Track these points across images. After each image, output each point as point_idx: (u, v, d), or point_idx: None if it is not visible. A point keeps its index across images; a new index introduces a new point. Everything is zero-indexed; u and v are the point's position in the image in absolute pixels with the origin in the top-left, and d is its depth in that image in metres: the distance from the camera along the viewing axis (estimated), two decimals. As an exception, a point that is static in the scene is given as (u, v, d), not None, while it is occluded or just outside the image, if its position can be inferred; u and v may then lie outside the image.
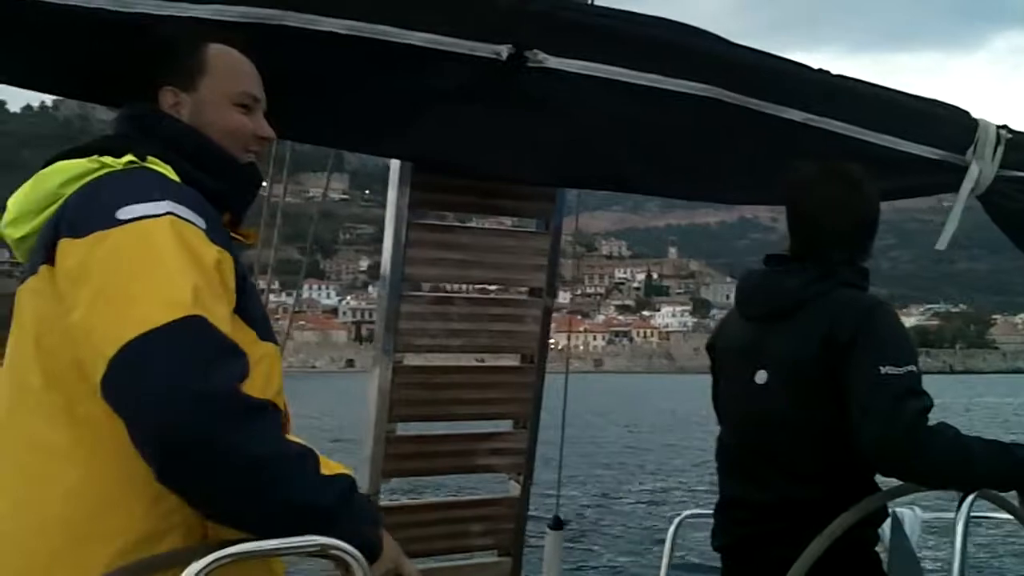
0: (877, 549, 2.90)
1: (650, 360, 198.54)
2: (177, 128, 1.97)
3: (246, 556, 1.62)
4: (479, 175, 3.15)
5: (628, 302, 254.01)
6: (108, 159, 1.82)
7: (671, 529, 3.56)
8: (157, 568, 1.61)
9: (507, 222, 3.44)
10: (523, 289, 3.38)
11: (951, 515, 2.57)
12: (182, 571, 1.53)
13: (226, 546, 1.60)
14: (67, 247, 1.69)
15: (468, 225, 3.37)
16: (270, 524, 1.65)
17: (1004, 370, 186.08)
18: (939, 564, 2.52)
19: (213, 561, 1.55)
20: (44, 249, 1.75)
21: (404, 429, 3.23)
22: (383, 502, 3.16)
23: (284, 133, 3.05)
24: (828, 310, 2.70)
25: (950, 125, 3.11)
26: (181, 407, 1.56)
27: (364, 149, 3.06)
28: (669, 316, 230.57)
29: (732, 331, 3.07)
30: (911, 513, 3.18)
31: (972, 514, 2.61)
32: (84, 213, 1.72)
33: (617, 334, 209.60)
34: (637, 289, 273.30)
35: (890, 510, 2.95)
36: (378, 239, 3.54)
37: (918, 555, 3.01)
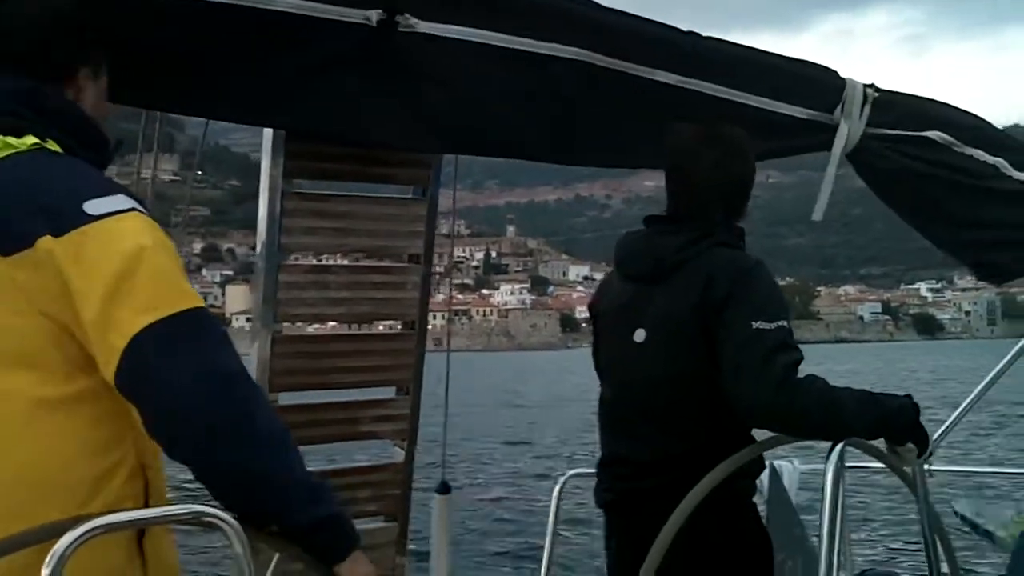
0: (755, 501, 3.01)
1: (489, 338, 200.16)
2: (66, 106, 1.97)
3: (123, 527, 1.68)
4: (354, 142, 3.11)
5: (467, 280, 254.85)
6: (12, 140, 1.84)
7: (556, 489, 3.61)
8: (34, 541, 1.61)
9: (384, 190, 3.41)
10: (402, 256, 3.37)
11: None
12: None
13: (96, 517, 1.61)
14: (48, 245, 1.73)
15: (344, 193, 3.32)
16: (276, 495, 1.77)
17: (828, 340, 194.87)
18: (817, 515, 2.61)
19: (87, 531, 1.56)
20: None
21: (286, 399, 3.18)
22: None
23: (157, 105, 2.96)
24: (704, 269, 2.76)
25: (818, 85, 3.16)
26: (213, 389, 1.70)
27: (238, 119, 3.00)
28: (508, 294, 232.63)
29: (612, 292, 3.12)
30: (789, 465, 3.29)
31: (847, 464, 2.71)
32: (46, 207, 1.75)
33: (456, 312, 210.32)
34: (476, 267, 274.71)
35: (769, 463, 3.05)
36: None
37: (796, 506, 3.12)
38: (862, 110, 3.07)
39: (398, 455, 3.31)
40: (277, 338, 3.15)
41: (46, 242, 1.72)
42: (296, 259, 3.27)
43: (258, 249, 3.18)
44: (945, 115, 3.21)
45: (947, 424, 3.14)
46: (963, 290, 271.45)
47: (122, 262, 1.72)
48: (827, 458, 2.62)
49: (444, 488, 3.44)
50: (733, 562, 2.82)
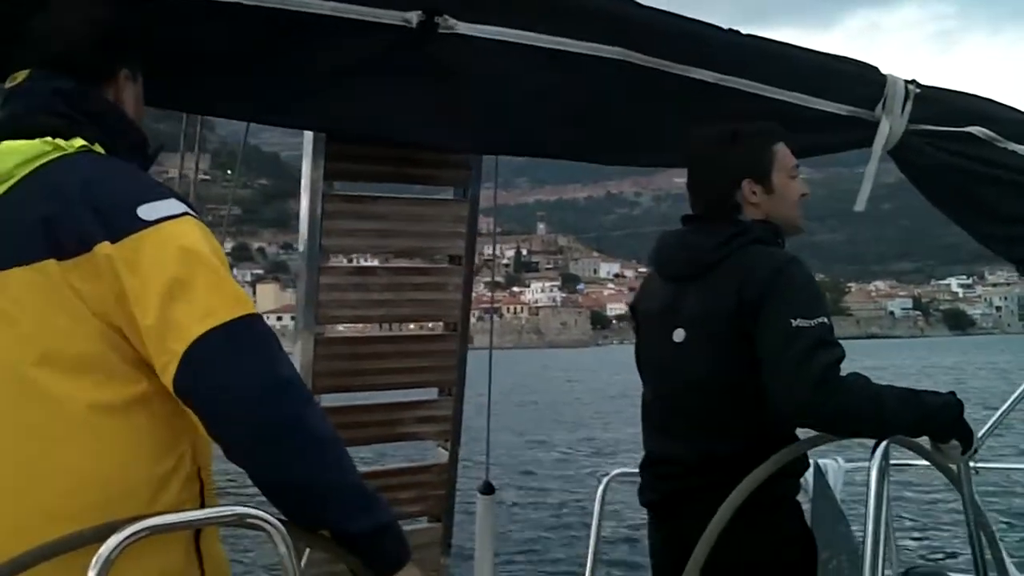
0: (799, 499, 3.00)
1: (519, 335, 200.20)
2: (109, 107, 1.99)
3: (166, 529, 1.68)
4: (393, 144, 3.13)
5: (498, 278, 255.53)
6: (61, 142, 1.85)
7: (600, 488, 3.61)
8: (81, 544, 1.63)
9: (424, 191, 3.42)
10: (443, 258, 3.38)
11: None
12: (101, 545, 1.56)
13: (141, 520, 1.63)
14: (107, 251, 1.74)
15: (385, 195, 3.33)
16: (331, 501, 1.79)
17: (859, 336, 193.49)
18: (861, 513, 2.59)
19: (132, 533, 1.58)
20: (43, 241, 1.77)
21: (329, 401, 3.19)
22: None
23: (197, 108, 2.99)
24: (741, 267, 2.75)
25: (859, 81, 3.14)
26: (270, 395, 1.73)
27: (277, 121, 3.02)
28: (538, 292, 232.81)
29: (652, 292, 3.12)
30: (834, 464, 3.27)
31: (891, 462, 2.70)
32: (100, 211, 1.77)
33: (487, 310, 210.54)
34: (506, 265, 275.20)
35: (813, 461, 3.03)
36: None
37: (841, 504, 3.11)
38: (904, 106, 3.05)
39: (442, 456, 3.32)
40: (319, 340, 3.17)
41: (104, 248, 1.74)
42: (337, 261, 3.28)
43: (300, 250, 3.20)
44: (986, 110, 3.19)
45: (992, 421, 3.12)
46: (994, 285, 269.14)
47: (179, 268, 1.74)
48: (871, 456, 2.60)
49: (488, 488, 3.45)
50: (777, 561, 2.81)
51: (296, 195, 3.28)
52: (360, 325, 3.40)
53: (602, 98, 3.06)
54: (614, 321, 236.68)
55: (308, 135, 3.16)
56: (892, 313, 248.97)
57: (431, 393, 3.35)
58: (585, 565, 3.60)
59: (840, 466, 3.29)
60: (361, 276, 3.26)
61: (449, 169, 3.32)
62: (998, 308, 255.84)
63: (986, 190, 3.19)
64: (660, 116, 3.16)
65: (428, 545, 3.29)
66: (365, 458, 3.56)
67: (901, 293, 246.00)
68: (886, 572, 2.75)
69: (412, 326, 3.51)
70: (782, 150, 2.94)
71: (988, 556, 2.96)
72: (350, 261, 3.36)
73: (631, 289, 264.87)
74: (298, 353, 3.15)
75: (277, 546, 1.74)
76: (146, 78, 2.11)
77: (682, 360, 2.88)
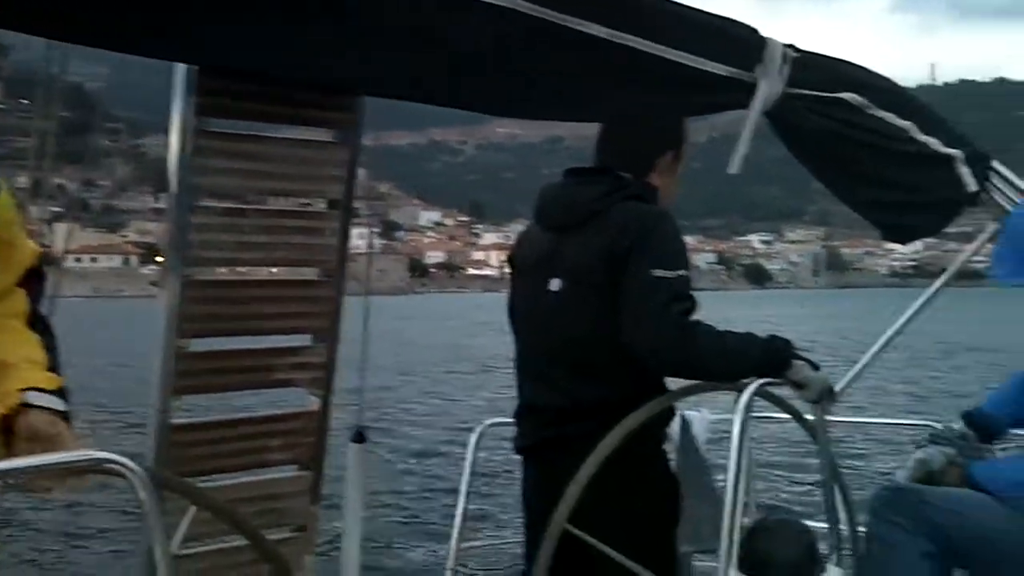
0: (666, 448, 3.11)
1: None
2: None
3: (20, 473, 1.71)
4: (271, 80, 3.01)
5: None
6: None
7: (473, 437, 3.63)
8: None
9: (304, 132, 3.30)
10: (321, 202, 3.29)
11: None
12: None
13: None
14: None
15: (262, 134, 3.21)
16: None
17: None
18: (725, 463, 2.72)
19: None
20: None
21: (197, 346, 3.09)
22: (175, 421, 3.03)
23: (62, 36, 2.79)
24: (615, 219, 2.86)
25: (739, 42, 3.18)
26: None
27: (147, 52, 2.86)
28: (356, 238, 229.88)
29: (530, 242, 3.16)
30: (699, 415, 3.39)
31: (752, 414, 2.82)
32: None
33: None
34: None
35: (679, 413, 3.15)
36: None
37: (705, 455, 3.23)
38: (781, 69, 3.14)
39: (314, 403, 3.26)
40: (188, 282, 3.04)
41: None
42: (209, 201, 3.14)
43: (169, 189, 3.05)
44: (859, 77, 3.31)
45: (852, 374, 3.29)
46: (792, 242, 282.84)
47: None
48: (735, 407, 2.72)
49: (359, 436, 3.41)
50: (643, 507, 2.92)
51: (100, 130, 3.11)
52: (232, 268, 3.28)
53: (491, 46, 3.02)
54: (432, 269, 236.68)
55: (179, 68, 3.01)
56: (698, 267, 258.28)
57: (304, 339, 3.28)
58: (455, 515, 3.62)
59: (705, 417, 3.42)
60: (234, 217, 3.14)
61: (331, 111, 3.21)
62: (794, 264, 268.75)
63: (856, 155, 3.33)
64: (550, 69, 3.15)
65: (297, 494, 3.24)
66: (235, 404, 3.45)
67: (707, 248, 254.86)
68: (743, 519, 2.88)
69: (285, 270, 3.40)
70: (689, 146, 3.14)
71: (840, 505, 3.13)
72: (222, 202, 3.22)
73: (451, 238, 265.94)
74: (164, 296, 3.03)
75: (138, 491, 1.70)
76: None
77: (557, 309, 2.95)
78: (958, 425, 3.35)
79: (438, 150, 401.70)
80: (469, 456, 3.63)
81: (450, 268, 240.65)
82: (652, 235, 2.82)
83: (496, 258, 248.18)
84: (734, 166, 3.15)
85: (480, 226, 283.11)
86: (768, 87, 3.12)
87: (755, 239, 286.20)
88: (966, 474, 3.09)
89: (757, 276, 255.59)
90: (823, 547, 3.08)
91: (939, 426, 3.42)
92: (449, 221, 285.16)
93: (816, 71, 3.21)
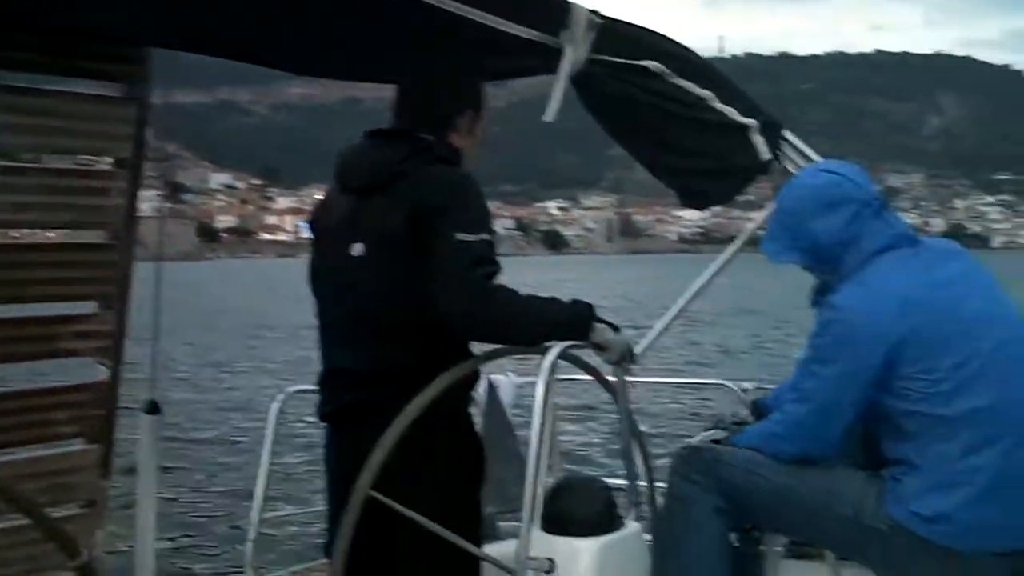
0: (472, 412, 3.11)
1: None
2: None
3: None
4: (49, 29, 2.82)
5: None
6: None
7: (274, 406, 3.54)
8: None
9: (88, 86, 3.09)
10: (107, 160, 3.10)
11: None
12: None
13: None
14: None
15: (40, 87, 2.99)
16: None
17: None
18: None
19: None
20: None
21: (-29, 314, 2.87)
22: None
23: None
24: (420, 181, 2.81)
25: (545, 6, 3.17)
26: None
27: None
28: (142, 201, 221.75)
29: (331, 205, 3.09)
30: (506, 379, 3.41)
31: (557, 376, 2.86)
32: None
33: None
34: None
35: (486, 377, 3.15)
36: None
37: (511, 417, 3.25)
38: (586, 35, 3.16)
39: (102, 374, 3.09)
40: (-41, 245, 2.83)
41: None
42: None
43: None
44: (662, 46, 3.37)
45: (651, 337, 3.38)
46: (587, 209, 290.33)
47: None
48: (539, 369, 2.74)
49: (152, 407, 3.25)
50: (447, 471, 2.91)
51: None
52: (8, 231, 3.06)
53: (291, 2, 2.91)
54: (224, 234, 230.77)
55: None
56: (497, 232, 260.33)
57: (90, 307, 3.09)
58: (257, 485, 3.53)
59: (511, 381, 3.44)
60: (10, 176, 2.92)
61: (115, 63, 3.02)
62: (589, 230, 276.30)
63: (657, 122, 3.39)
64: (350, 26, 3.06)
65: (86, 468, 3.07)
66: (15, 376, 3.24)
67: (506, 214, 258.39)
68: (547, 479, 2.93)
69: (68, 233, 3.20)
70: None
71: (640, 463, 3.22)
72: (-1, 159, 2.99)
73: (244, 202, 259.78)
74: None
75: None
76: None
77: (360, 273, 2.89)
78: (744, 411, 3.51)
79: (229, 110, 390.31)
80: (271, 424, 3.54)
81: (243, 233, 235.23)
82: (456, 199, 2.79)
83: (291, 223, 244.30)
84: (550, 114, 3.16)
85: (274, 190, 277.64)
86: (573, 53, 3.13)
87: (552, 205, 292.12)
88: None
89: (554, 242, 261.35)
90: (623, 504, 3.16)
91: (733, 386, 3.55)
92: (241, 184, 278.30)
93: (620, 38, 3.25)
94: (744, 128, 3.47)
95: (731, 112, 3.44)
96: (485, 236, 2.79)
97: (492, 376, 3.23)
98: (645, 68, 3.26)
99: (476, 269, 2.72)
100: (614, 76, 3.23)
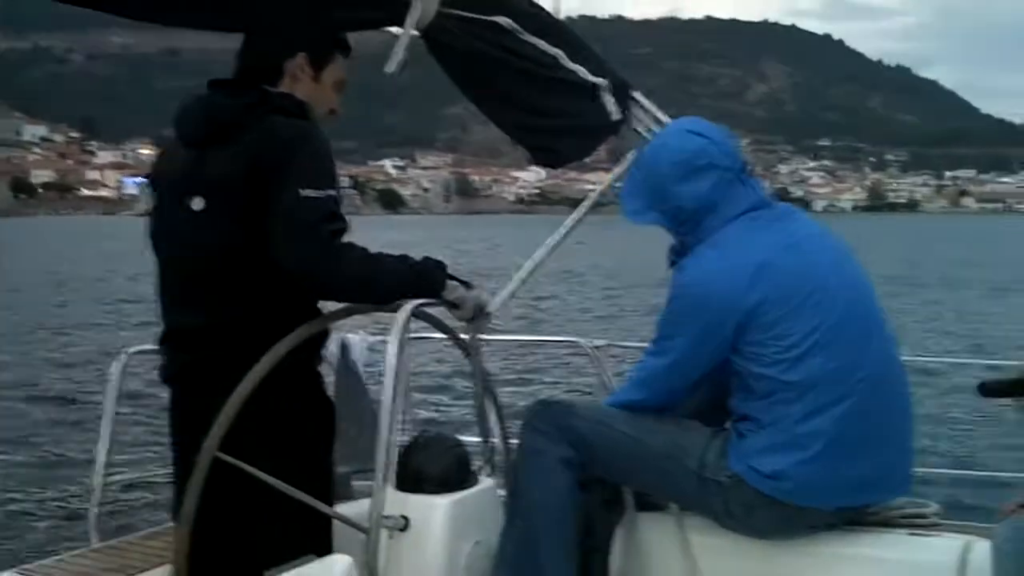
0: (322, 371, 3.07)
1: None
2: None
3: None
4: None
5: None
6: None
7: (114, 367, 3.42)
8: None
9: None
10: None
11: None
12: None
13: None
14: None
15: None
16: None
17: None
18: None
19: None
20: None
21: None
22: None
23: None
24: (260, 134, 2.74)
25: None
26: None
27: None
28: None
29: (170, 159, 2.99)
30: (358, 337, 3.37)
31: (410, 335, 2.85)
32: None
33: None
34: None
35: (339, 336, 3.11)
36: None
37: (364, 376, 3.23)
38: None
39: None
40: None
41: None
42: None
43: None
44: (512, 2, 3.35)
45: (504, 294, 3.39)
46: (424, 168, 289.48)
47: None
48: (392, 328, 2.73)
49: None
50: (297, 431, 2.88)
51: None
52: None
53: None
54: (41, 190, 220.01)
55: None
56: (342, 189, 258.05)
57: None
58: (98, 449, 3.41)
59: (364, 339, 3.41)
60: None
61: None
62: (426, 189, 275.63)
63: (507, 79, 3.39)
64: None
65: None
66: None
67: (341, 172, 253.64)
68: (401, 438, 2.93)
69: None
70: (342, 62, 3.01)
71: (493, 419, 3.25)
72: None
73: (62, 155, 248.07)
74: None
75: None
76: None
77: (199, 228, 2.81)
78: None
79: (42, 57, 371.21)
80: (112, 386, 3.42)
81: (62, 189, 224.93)
82: (298, 152, 2.71)
83: (113, 178, 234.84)
84: (392, 65, 3.13)
85: (94, 143, 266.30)
86: (422, 5, 3.09)
87: (388, 164, 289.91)
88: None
89: (391, 201, 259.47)
90: (477, 461, 3.19)
91: (584, 343, 3.61)
92: (58, 137, 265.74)
93: None
94: (594, 87, 3.50)
95: (581, 71, 3.47)
96: (332, 192, 2.73)
97: (345, 335, 3.19)
98: (495, 23, 3.26)
99: (323, 226, 2.67)
100: (464, 31, 3.21)
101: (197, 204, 2.79)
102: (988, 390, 3.09)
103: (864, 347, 2.89)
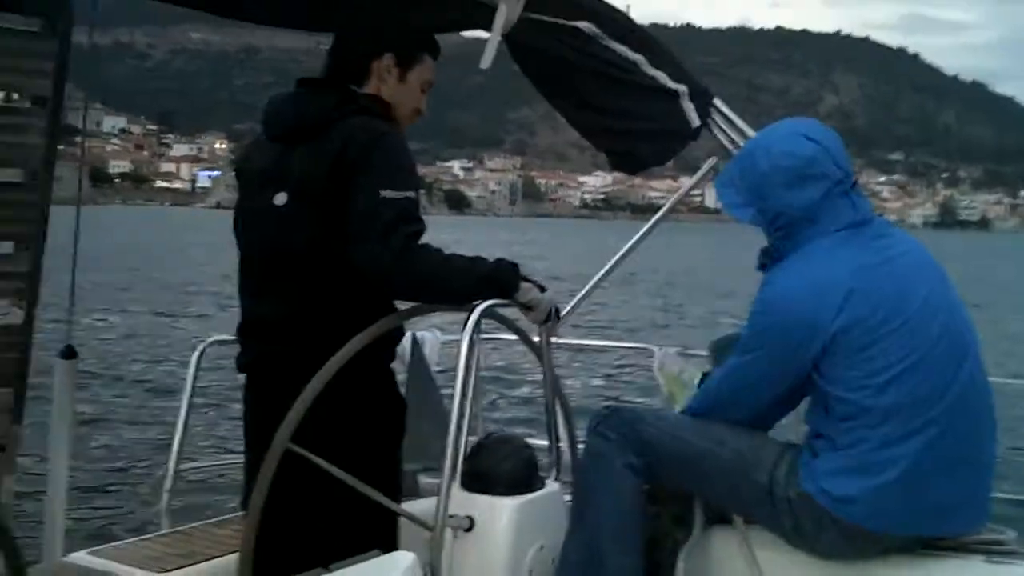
0: (396, 367, 3.10)
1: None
2: None
3: None
4: None
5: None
6: None
7: (195, 355, 3.47)
8: None
9: (6, 19, 2.95)
10: (23, 98, 2.97)
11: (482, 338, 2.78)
12: None
13: None
14: None
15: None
16: None
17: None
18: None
19: None
20: None
21: None
22: None
23: None
24: (343, 133, 2.77)
25: None
26: None
27: None
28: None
29: (257, 153, 3.04)
30: (431, 335, 3.39)
31: (482, 335, 2.86)
32: None
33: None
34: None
35: (411, 333, 3.13)
36: None
37: (436, 375, 3.24)
38: None
39: (16, 316, 2.98)
40: None
41: None
42: None
43: None
44: (595, 7, 3.37)
45: (577, 298, 3.40)
46: (491, 170, 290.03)
47: None
48: (463, 327, 2.74)
49: (69, 352, 3.16)
50: (367, 425, 2.90)
51: None
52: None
53: None
54: (117, 180, 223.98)
55: None
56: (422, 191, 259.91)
57: (6, 247, 2.98)
58: (174, 436, 3.47)
59: (437, 338, 3.42)
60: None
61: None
62: (492, 192, 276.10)
63: (588, 84, 3.41)
64: None
65: (-2, 412, 2.97)
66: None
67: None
68: (469, 438, 2.94)
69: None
70: (430, 63, 3.03)
71: (562, 422, 3.25)
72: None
73: (138, 147, 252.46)
74: None
75: None
76: None
77: (281, 222, 2.86)
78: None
79: (124, 52, 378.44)
80: (191, 374, 3.48)
81: (137, 179, 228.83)
82: (376, 153, 2.74)
83: (187, 171, 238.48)
84: (485, 61, 3.16)
85: (170, 136, 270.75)
86: (507, 9, 3.11)
87: (456, 165, 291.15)
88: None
89: (457, 202, 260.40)
90: (544, 464, 3.19)
91: (656, 349, 3.58)
92: (136, 129, 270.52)
93: None
94: (674, 93, 3.50)
95: (662, 77, 3.47)
96: (410, 194, 2.76)
97: (418, 332, 3.21)
98: (578, 29, 3.27)
99: (401, 227, 2.69)
100: (547, 35, 3.23)
101: (280, 199, 2.84)
102: None
103: (955, 373, 2.75)
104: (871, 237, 2.85)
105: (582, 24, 3.27)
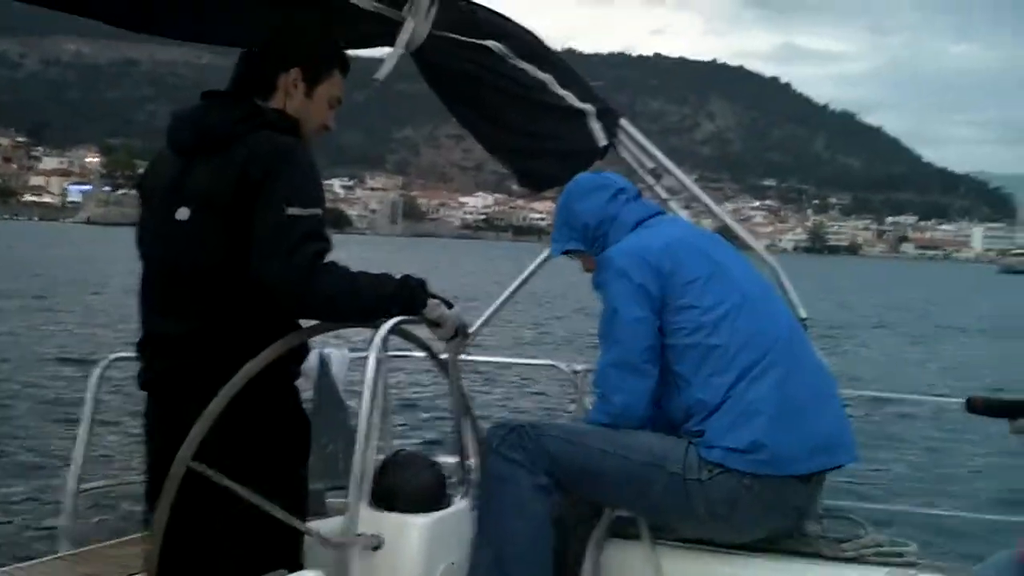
0: (301, 384, 3.05)
1: None
2: None
3: None
4: None
5: None
6: None
7: (94, 374, 3.36)
8: None
9: None
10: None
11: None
12: None
13: None
14: None
15: None
16: None
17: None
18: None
19: None
20: None
21: None
22: None
23: None
24: (248, 147, 2.72)
25: None
26: None
27: None
28: None
29: (160, 168, 2.97)
30: (339, 353, 3.34)
31: (389, 353, 2.84)
32: None
33: None
34: None
35: (318, 351, 3.09)
36: None
37: (343, 392, 3.21)
38: (429, 10, 3.15)
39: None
40: None
41: None
42: None
43: None
44: (503, 26, 3.39)
45: (485, 316, 3.41)
46: (372, 189, 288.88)
47: None
48: (370, 345, 2.72)
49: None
50: (271, 443, 2.86)
51: None
52: None
53: None
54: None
55: None
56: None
57: None
58: (74, 455, 3.35)
59: (344, 355, 3.38)
60: None
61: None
62: (373, 211, 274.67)
63: (496, 102, 3.42)
64: None
65: None
66: None
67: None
68: (377, 456, 2.91)
69: None
70: (339, 78, 3.00)
71: (470, 440, 3.24)
72: None
73: (6, 159, 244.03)
74: None
75: None
76: None
77: (183, 238, 2.80)
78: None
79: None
80: (90, 393, 3.37)
81: (4, 193, 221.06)
82: (285, 169, 2.70)
83: (58, 185, 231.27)
84: (382, 73, 3.15)
85: (40, 149, 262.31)
86: (414, 26, 3.11)
87: (337, 183, 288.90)
88: None
89: (338, 221, 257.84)
90: (453, 481, 3.17)
91: (563, 367, 3.63)
92: (4, 141, 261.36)
93: (462, 15, 3.27)
94: (581, 113, 3.55)
95: (569, 96, 3.52)
96: (317, 211, 2.72)
97: (325, 350, 3.17)
98: (486, 47, 3.29)
99: (307, 245, 2.65)
100: (454, 53, 3.24)
101: (182, 214, 2.78)
102: (974, 406, 3.20)
103: (773, 315, 3.14)
104: (667, 224, 3.35)
105: (490, 43, 3.29)
